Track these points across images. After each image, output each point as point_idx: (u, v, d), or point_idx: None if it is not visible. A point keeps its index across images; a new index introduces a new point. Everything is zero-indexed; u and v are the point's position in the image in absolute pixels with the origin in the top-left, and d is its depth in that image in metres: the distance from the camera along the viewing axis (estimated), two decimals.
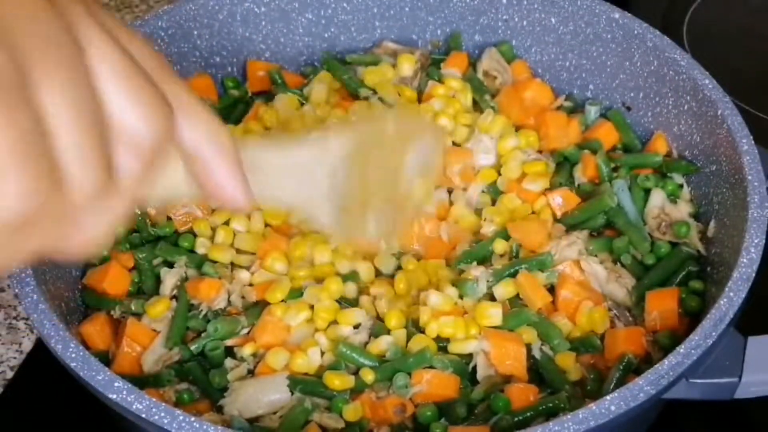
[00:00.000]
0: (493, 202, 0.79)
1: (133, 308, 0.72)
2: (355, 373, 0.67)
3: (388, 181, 0.65)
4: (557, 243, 0.74)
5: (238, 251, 0.75)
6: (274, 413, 0.66)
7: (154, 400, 0.56)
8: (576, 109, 0.87)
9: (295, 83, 0.89)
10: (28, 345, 0.82)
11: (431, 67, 0.89)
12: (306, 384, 0.66)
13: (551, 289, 0.73)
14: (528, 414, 0.64)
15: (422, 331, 0.69)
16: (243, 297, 0.73)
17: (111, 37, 0.40)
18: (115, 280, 0.73)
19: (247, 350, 0.69)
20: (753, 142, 0.71)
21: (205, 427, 0.54)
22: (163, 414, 0.55)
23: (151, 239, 0.76)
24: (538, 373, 0.68)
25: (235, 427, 0.64)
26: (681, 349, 0.59)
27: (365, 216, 0.64)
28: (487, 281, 0.72)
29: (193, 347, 0.69)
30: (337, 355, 0.67)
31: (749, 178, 0.68)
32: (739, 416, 0.76)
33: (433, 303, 0.70)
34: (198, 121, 0.44)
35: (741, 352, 0.63)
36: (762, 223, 0.65)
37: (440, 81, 0.86)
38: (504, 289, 0.71)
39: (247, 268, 0.74)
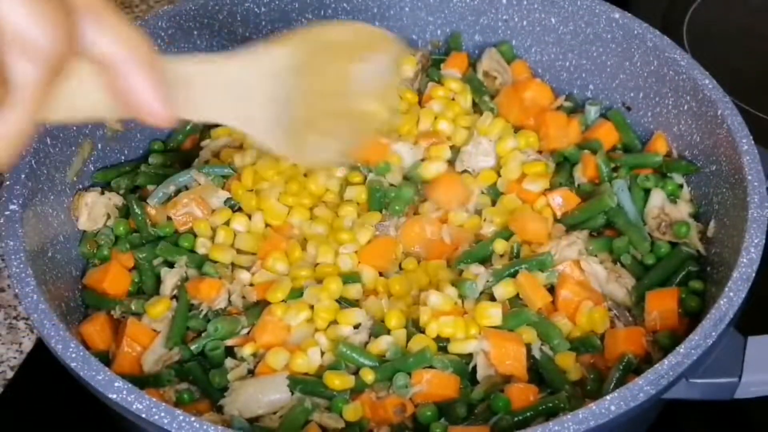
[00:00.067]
0: (493, 203, 0.79)
1: (133, 308, 0.72)
2: (355, 373, 0.67)
3: (339, 96, 0.60)
4: (557, 243, 0.74)
5: (239, 251, 0.75)
6: (274, 413, 0.66)
7: (154, 400, 0.56)
8: (576, 109, 0.87)
9: None
10: (28, 345, 0.82)
11: (431, 68, 0.89)
12: (306, 384, 0.66)
13: (551, 289, 0.73)
14: (528, 414, 0.64)
15: (422, 331, 0.69)
16: (243, 297, 0.73)
17: None
18: (115, 280, 0.73)
19: (247, 350, 0.69)
20: (753, 142, 0.71)
21: (205, 427, 0.54)
22: (163, 414, 0.55)
23: (152, 239, 0.76)
24: (538, 373, 0.68)
25: (235, 427, 0.64)
26: (681, 349, 0.59)
27: (317, 135, 0.60)
28: (487, 281, 0.72)
29: (193, 347, 0.69)
30: (337, 355, 0.67)
31: (749, 178, 0.68)
32: (739, 416, 0.76)
33: (433, 303, 0.70)
34: (111, 29, 0.42)
35: (741, 352, 0.63)
36: (762, 223, 0.65)
37: (440, 82, 0.86)
38: (504, 289, 0.71)
39: (248, 269, 0.74)
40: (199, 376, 0.68)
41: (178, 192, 0.78)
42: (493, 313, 0.69)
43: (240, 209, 0.78)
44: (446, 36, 0.92)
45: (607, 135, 0.83)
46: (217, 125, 0.84)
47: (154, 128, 0.44)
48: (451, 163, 0.82)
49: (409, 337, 0.69)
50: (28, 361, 0.81)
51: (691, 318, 0.71)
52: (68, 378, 0.59)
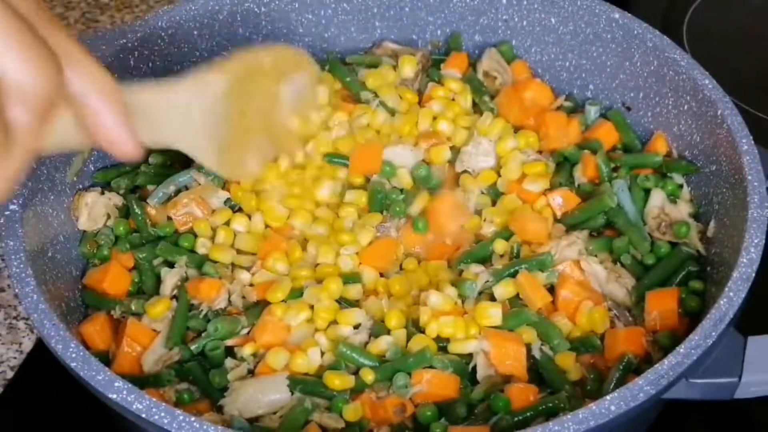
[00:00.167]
0: (493, 203, 0.79)
1: (133, 308, 0.72)
2: (355, 373, 0.67)
3: (265, 115, 0.67)
4: (557, 243, 0.74)
5: (239, 252, 0.75)
6: (274, 413, 0.66)
7: (154, 400, 0.56)
8: (576, 109, 0.87)
9: None
10: (28, 345, 0.82)
11: (431, 68, 0.89)
12: (306, 384, 0.66)
13: (551, 289, 0.73)
14: (528, 414, 0.64)
15: (422, 331, 0.69)
16: (243, 297, 0.73)
17: None
18: (115, 280, 0.73)
19: (247, 350, 0.69)
20: (753, 142, 0.71)
21: (205, 427, 0.54)
22: (163, 414, 0.55)
23: (152, 239, 0.76)
24: (538, 373, 0.68)
25: (235, 427, 0.64)
26: (681, 349, 0.59)
27: (245, 150, 0.66)
28: (487, 281, 0.72)
29: (193, 347, 0.69)
30: (337, 355, 0.67)
31: (749, 178, 0.68)
32: (739, 416, 0.76)
33: (433, 303, 0.70)
34: (84, 72, 0.46)
35: (741, 352, 0.63)
36: (762, 223, 0.65)
37: (440, 82, 0.86)
38: (504, 289, 0.71)
39: (248, 269, 0.74)
40: (199, 376, 0.68)
41: (178, 192, 0.78)
42: (493, 313, 0.69)
43: (240, 209, 0.78)
44: (446, 36, 0.92)
45: (607, 135, 0.83)
46: None
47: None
48: (450, 163, 0.82)
49: (409, 337, 0.69)
50: (28, 361, 0.81)
51: (691, 318, 0.71)
52: (68, 378, 0.59)
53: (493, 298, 0.72)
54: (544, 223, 0.76)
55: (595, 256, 0.75)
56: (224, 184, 0.79)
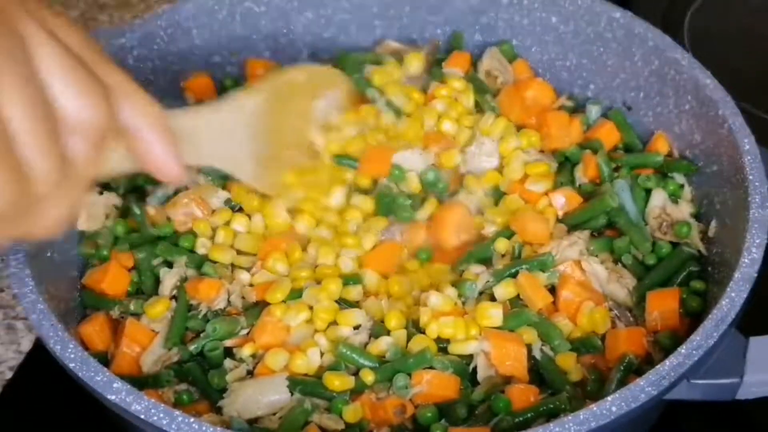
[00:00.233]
0: (495, 203, 0.79)
1: (132, 308, 0.71)
2: (355, 373, 0.67)
3: (298, 131, 0.72)
4: (558, 243, 0.74)
5: (239, 252, 0.75)
6: (274, 414, 0.66)
7: (153, 401, 0.55)
8: (577, 108, 0.87)
9: None
10: (27, 345, 0.82)
11: (433, 67, 0.88)
12: (306, 385, 0.66)
13: (552, 290, 0.72)
14: (529, 415, 0.64)
15: (422, 332, 0.69)
16: (243, 297, 0.72)
17: (51, 35, 0.43)
18: (114, 281, 0.73)
19: (246, 351, 0.69)
20: (754, 141, 0.71)
21: (204, 428, 0.54)
22: (162, 415, 0.55)
23: (151, 239, 0.76)
24: (539, 373, 0.68)
25: (235, 428, 0.64)
26: (682, 349, 0.59)
27: (280, 165, 0.70)
28: (488, 281, 0.72)
29: (192, 348, 0.69)
30: (337, 356, 0.67)
31: (750, 178, 0.68)
32: (740, 417, 0.76)
33: (433, 304, 0.69)
34: (132, 101, 0.48)
35: (742, 352, 0.63)
36: (763, 223, 0.65)
37: (442, 81, 0.85)
38: (504, 290, 0.71)
39: (248, 269, 0.74)
40: (198, 377, 0.68)
41: (177, 192, 0.78)
42: (493, 314, 0.68)
43: (240, 209, 0.78)
44: (446, 35, 0.92)
45: (609, 135, 0.83)
46: None
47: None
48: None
49: (409, 338, 0.69)
50: (27, 362, 0.81)
51: (693, 318, 0.71)
52: (67, 378, 0.59)
53: (493, 299, 0.72)
54: (546, 224, 0.76)
55: (596, 256, 0.74)
56: (224, 184, 0.78)
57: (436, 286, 0.73)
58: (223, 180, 0.78)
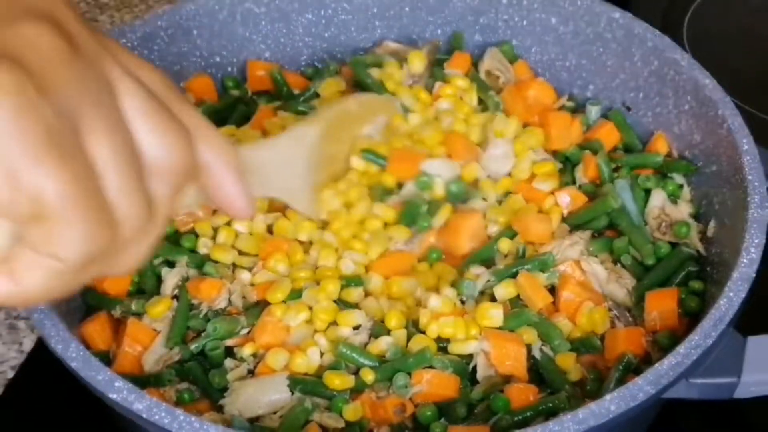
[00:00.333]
0: (499, 202, 0.79)
1: (133, 308, 0.72)
2: (355, 373, 0.67)
3: (347, 158, 0.74)
4: (560, 243, 0.74)
5: (240, 252, 0.75)
6: (275, 413, 0.66)
7: (154, 399, 0.56)
8: (576, 109, 0.87)
9: (296, 83, 0.89)
10: (28, 345, 0.82)
11: (435, 68, 0.88)
12: (306, 384, 0.66)
13: (552, 290, 0.73)
14: (528, 414, 0.64)
15: (422, 332, 0.69)
16: (243, 297, 0.73)
17: (133, 77, 0.43)
18: (115, 280, 0.73)
19: (246, 350, 0.69)
20: (753, 142, 0.71)
21: (205, 426, 0.54)
22: (163, 414, 0.55)
23: None
24: (539, 373, 0.68)
25: (236, 427, 0.64)
26: (681, 349, 0.59)
27: (331, 192, 0.72)
28: (488, 281, 0.72)
29: (193, 347, 0.69)
30: (337, 355, 0.67)
31: (749, 178, 0.68)
32: (738, 416, 0.76)
33: (432, 306, 0.69)
34: (209, 141, 0.48)
35: (741, 352, 0.63)
36: (762, 223, 0.65)
37: (445, 81, 0.86)
38: (504, 290, 0.71)
39: (249, 269, 0.74)
40: (200, 376, 0.68)
41: None
42: (494, 314, 0.69)
43: None
44: (446, 36, 0.92)
45: (609, 135, 0.83)
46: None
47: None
48: None
49: (409, 338, 0.69)
50: (28, 361, 0.81)
51: (691, 318, 0.71)
52: (69, 378, 0.59)
53: (494, 299, 0.72)
54: (548, 223, 0.76)
55: (596, 256, 0.75)
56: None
57: (435, 287, 0.73)
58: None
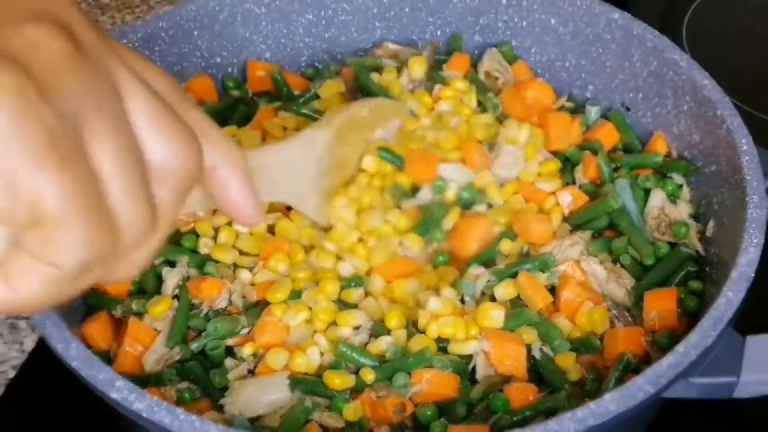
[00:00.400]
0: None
1: (134, 308, 0.72)
2: (356, 372, 0.67)
3: (355, 161, 0.73)
4: (560, 243, 0.74)
5: (241, 252, 0.75)
6: (275, 412, 0.66)
7: (155, 399, 0.56)
8: (576, 109, 0.87)
9: (297, 83, 0.89)
10: (29, 344, 0.83)
11: (434, 71, 0.88)
12: (306, 383, 0.66)
13: (552, 290, 0.73)
14: (527, 413, 0.64)
15: (422, 332, 0.69)
16: (244, 297, 0.73)
17: (139, 79, 0.42)
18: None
19: (247, 350, 0.69)
20: (752, 142, 0.71)
21: (206, 426, 0.54)
22: (164, 413, 0.55)
23: None
24: (538, 373, 0.68)
25: (236, 427, 0.64)
26: (680, 348, 0.59)
27: (332, 196, 0.70)
28: (489, 281, 0.72)
29: (193, 346, 0.70)
30: (337, 355, 0.68)
31: (748, 178, 0.68)
32: (737, 415, 0.76)
33: (432, 308, 0.69)
34: (216, 144, 0.47)
35: (740, 351, 0.63)
36: (761, 223, 0.66)
37: (443, 83, 0.86)
38: (504, 290, 0.71)
39: (250, 269, 0.74)
40: (200, 376, 0.68)
41: None
42: (494, 315, 0.69)
43: None
44: (446, 36, 0.92)
45: (608, 135, 0.83)
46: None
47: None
48: None
49: (409, 338, 0.69)
50: (29, 361, 0.81)
51: (690, 318, 0.71)
52: (70, 377, 0.59)
53: (494, 299, 0.72)
54: (549, 224, 0.76)
55: (595, 256, 0.75)
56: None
57: (436, 287, 0.73)
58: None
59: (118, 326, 0.72)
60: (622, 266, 0.75)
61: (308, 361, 0.68)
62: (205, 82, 0.87)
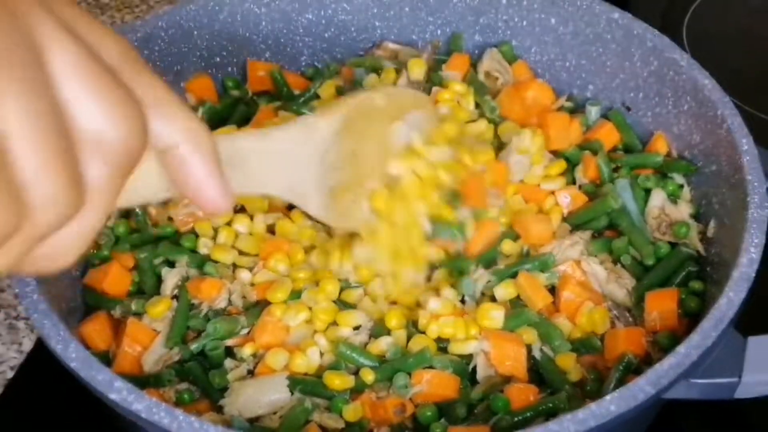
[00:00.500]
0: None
1: (133, 308, 0.72)
2: (355, 373, 0.67)
3: (375, 157, 0.62)
4: (560, 243, 0.74)
5: (240, 252, 0.75)
6: (274, 413, 0.66)
7: (154, 400, 0.56)
8: (576, 109, 0.87)
9: (297, 83, 0.89)
10: (28, 345, 0.82)
11: (433, 72, 0.88)
12: (306, 384, 0.66)
13: (552, 290, 0.73)
14: (528, 414, 0.64)
15: (422, 332, 0.69)
16: (244, 297, 0.73)
17: (71, 34, 0.36)
18: (115, 280, 0.73)
19: (246, 350, 0.69)
20: (753, 142, 0.71)
21: (205, 427, 0.54)
22: (163, 414, 0.55)
23: (152, 239, 0.76)
24: (539, 373, 0.68)
25: (236, 427, 0.64)
26: (681, 349, 0.59)
27: (357, 197, 0.61)
28: (489, 281, 0.72)
29: (193, 347, 0.69)
30: (337, 355, 0.67)
31: (749, 178, 0.68)
32: (738, 416, 0.76)
33: (432, 309, 0.69)
34: (172, 116, 0.41)
35: (741, 352, 0.63)
36: (762, 223, 0.65)
37: (441, 84, 0.86)
38: (505, 290, 0.71)
39: (249, 269, 0.74)
40: (199, 376, 0.68)
41: None
42: (494, 315, 0.69)
43: (242, 209, 0.78)
44: (446, 36, 0.92)
45: (608, 135, 0.83)
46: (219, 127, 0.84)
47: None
48: None
49: (409, 338, 0.69)
50: (28, 361, 0.81)
51: (691, 318, 0.71)
52: (68, 378, 0.59)
53: (494, 299, 0.72)
54: (549, 224, 0.76)
55: (595, 256, 0.75)
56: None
57: (436, 287, 0.73)
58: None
59: (117, 327, 0.72)
60: (623, 266, 0.75)
61: (308, 361, 0.67)
62: (205, 81, 0.87)
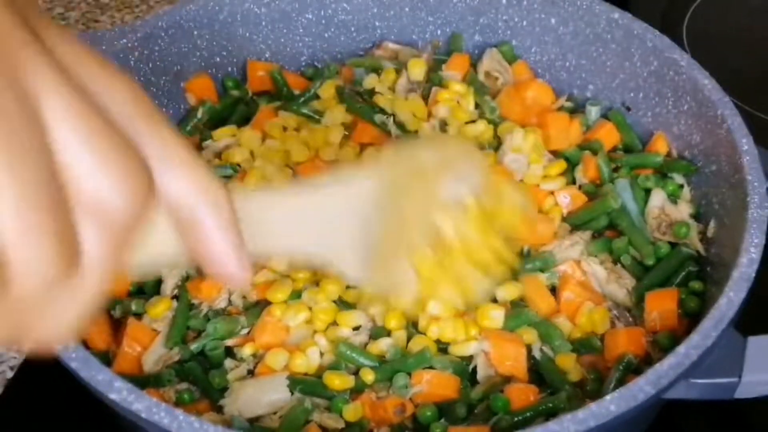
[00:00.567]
0: None
1: (133, 308, 0.72)
2: (355, 373, 0.67)
3: (421, 216, 0.54)
4: (560, 243, 0.74)
5: None
6: (274, 413, 0.66)
7: (154, 400, 0.56)
8: (576, 109, 0.87)
9: (297, 83, 0.89)
10: None
11: (433, 72, 0.88)
12: (306, 384, 0.66)
13: (552, 290, 0.72)
14: (527, 414, 0.64)
15: (422, 333, 0.69)
16: (244, 297, 0.73)
17: (70, 83, 0.32)
18: (115, 280, 0.73)
19: (246, 350, 0.69)
20: (753, 142, 0.71)
21: (205, 427, 0.54)
22: (163, 414, 0.55)
23: None
24: (539, 373, 0.68)
25: (236, 427, 0.64)
26: (681, 349, 0.59)
27: (400, 259, 0.54)
28: None
29: (193, 347, 0.69)
30: (337, 355, 0.67)
31: (749, 178, 0.68)
32: (739, 416, 0.76)
33: (432, 311, 0.69)
34: (186, 173, 0.36)
35: (741, 352, 0.63)
36: (762, 223, 0.65)
37: (441, 84, 0.86)
38: (506, 291, 0.71)
39: None
40: (199, 376, 0.68)
41: None
42: (494, 316, 0.69)
43: None
44: (446, 36, 0.92)
45: (608, 135, 0.83)
46: (219, 126, 0.84)
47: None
48: None
49: (409, 338, 0.69)
50: (28, 361, 0.81)
51: (691, 318, 0.71)
52: (68, 378, 0.59)
53: (494, 300, 0.72)
54: (548, 224, 0.76)
55: (595, 256, 0.75)
56: (225, 184, 0.78)
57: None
58: (225, 180, 0.78)
59: (117, 327, 0.72)
60: (623, 266, 0.75)
61: (308, 361, 0.67)
62: (205, 81, 0.87)
